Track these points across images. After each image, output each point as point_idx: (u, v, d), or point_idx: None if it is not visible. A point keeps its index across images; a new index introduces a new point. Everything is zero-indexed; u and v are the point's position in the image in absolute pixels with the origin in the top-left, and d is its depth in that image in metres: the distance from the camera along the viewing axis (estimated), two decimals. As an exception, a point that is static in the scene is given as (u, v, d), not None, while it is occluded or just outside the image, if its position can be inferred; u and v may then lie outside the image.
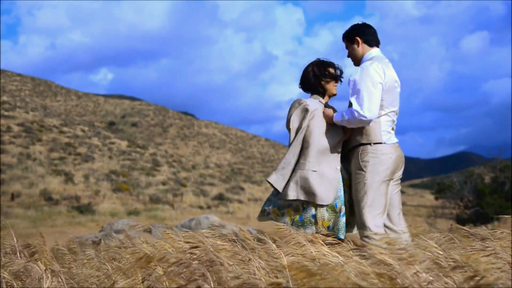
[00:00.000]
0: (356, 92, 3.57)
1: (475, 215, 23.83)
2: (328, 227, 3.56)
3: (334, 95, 3.88)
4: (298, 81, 3.90)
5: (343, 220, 3.65)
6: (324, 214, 3.57)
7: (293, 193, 3.59)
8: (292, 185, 3.62)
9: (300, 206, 3.63)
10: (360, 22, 3.85)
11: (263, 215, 3.78)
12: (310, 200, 3.57)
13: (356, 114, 3.51)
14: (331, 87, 3.84)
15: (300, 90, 3.92)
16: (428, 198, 46.55)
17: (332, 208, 3.60)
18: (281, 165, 3.69)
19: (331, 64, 3.85)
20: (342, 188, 3.66)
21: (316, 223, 3.57)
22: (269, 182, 3.66)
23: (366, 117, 3.50)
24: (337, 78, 3.85)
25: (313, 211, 3.58)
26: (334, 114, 3.68)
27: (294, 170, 3.66)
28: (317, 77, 3.80)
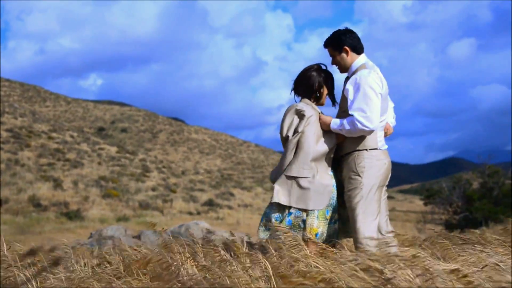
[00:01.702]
0: (357, 101, 3.54)
1: (464, 220, 23.98)
2: (316, 235, 3.55)
3: (323, 104, 3.86)
4: (292, 83, 3.83)
5: (333, 227, 3.65)
6: (313, 221, 3.56)
7: (286, 199, 3.58)
8: (285, 191, 3.60)
9: (286, 211, 3.60)
10: (342, 28, 3.76)
11: (265, 230, 3.70)
12: (302, 207, 3.55)
13: (358, 124, 3.49)
14: (325, 96, 3.83)
15: (291, 95, 3.84)
16: (418, 203, 46.82)
17: (323, 215, 3.60)
18: (282, 168, 3.67)
19: (331, 75, 3.83)
20: (335, 195, 3.66)
21: (304, 229, 3.56)
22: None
23: (369, 128, 3.49)
24: (332, 90, 3.84)
25: (304, 216, 3.58)
26: (331, 122, 3.65)
27: (287, 176, 3.63)
28: (320, 83, 3.76)
